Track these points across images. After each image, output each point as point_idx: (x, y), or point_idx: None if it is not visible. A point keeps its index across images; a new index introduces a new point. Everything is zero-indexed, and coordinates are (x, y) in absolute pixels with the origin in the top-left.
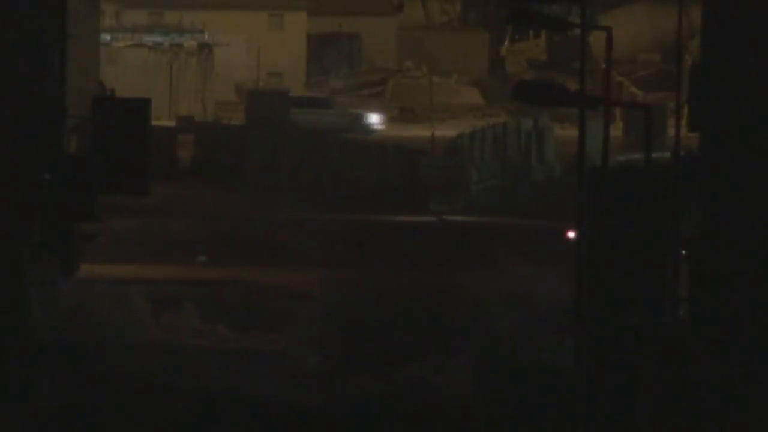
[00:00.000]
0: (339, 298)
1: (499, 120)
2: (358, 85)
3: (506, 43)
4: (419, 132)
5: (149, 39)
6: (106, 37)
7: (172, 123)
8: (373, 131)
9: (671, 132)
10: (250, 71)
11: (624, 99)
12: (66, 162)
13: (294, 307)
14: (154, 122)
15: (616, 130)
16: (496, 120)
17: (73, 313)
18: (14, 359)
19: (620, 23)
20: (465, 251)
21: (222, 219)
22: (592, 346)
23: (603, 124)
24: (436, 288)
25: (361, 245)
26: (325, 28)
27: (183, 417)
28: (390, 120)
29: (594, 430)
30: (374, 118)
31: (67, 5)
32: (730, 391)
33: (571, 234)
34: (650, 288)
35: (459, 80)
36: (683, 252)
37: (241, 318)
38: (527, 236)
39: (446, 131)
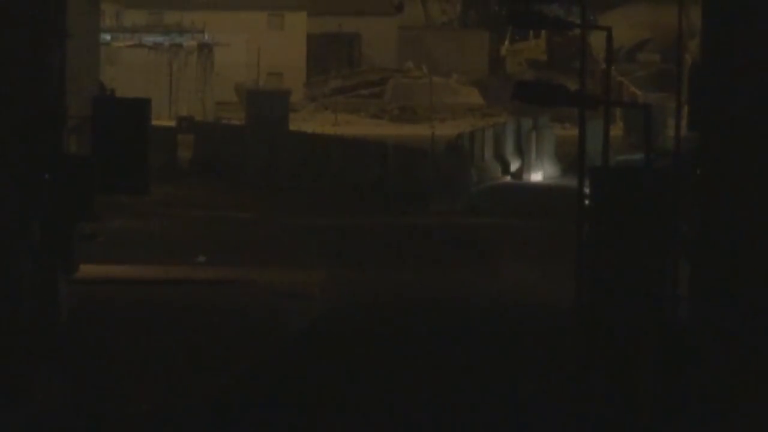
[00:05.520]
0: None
1: (499, 120)
2: (358, 84)
3: (506, 43)
4: (419, 132)
5: (149, 39)
6: (106, 37)
7: (172, 123)
8: None
9: (671, 132)
10: (250, 71)
11: (624, 99)
12: (66, 162)
13: (294, 306)
14: (154, 122)
15: (616, 130)
16: (496, 120)
17: (72, 313)
18: (13, 359)
19: (620, 23)
20: (464, 251)
21: (221, 219)
22: (592, 345)
23: (603, 124)
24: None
25: (360, 245)
26: (325, 28)
27: (183, 417)
28: (390, 119)
29: (593, 428)
30: None
31: (67, 5)
32: (730, 391)
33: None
34: (650, 287)
35: (459, 80)
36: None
37: (241, 318)
38: (527, 236)
39: (446, 131)
